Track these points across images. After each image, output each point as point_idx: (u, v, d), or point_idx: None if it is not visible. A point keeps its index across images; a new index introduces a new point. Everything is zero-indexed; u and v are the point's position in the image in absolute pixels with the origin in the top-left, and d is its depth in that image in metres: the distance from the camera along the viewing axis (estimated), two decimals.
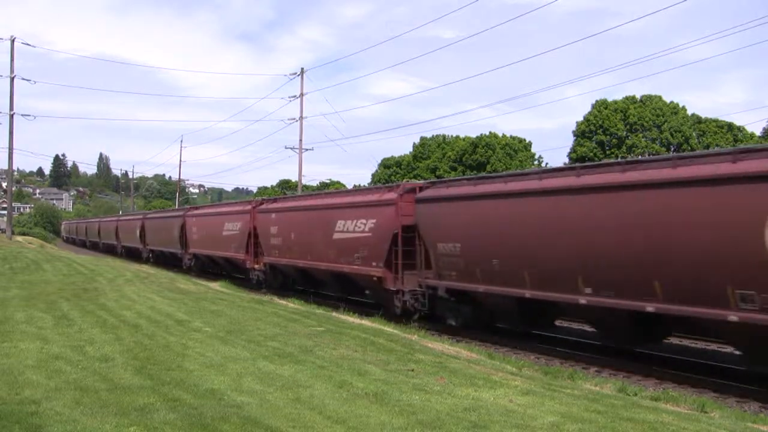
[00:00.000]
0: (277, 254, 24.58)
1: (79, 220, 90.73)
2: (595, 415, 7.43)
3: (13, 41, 47.62)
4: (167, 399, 7.39)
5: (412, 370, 9.55)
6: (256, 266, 26.67)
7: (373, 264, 18.21)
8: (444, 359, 10.84)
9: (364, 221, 18.77)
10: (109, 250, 58.38)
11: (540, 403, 7.87)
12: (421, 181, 17.83)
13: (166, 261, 41.14)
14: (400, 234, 17.23)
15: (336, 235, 20.13)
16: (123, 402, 7.20)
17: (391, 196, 18.05)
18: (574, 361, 13.46)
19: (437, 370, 9.72)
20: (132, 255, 49.06)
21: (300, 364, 9.57)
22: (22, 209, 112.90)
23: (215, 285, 25.06)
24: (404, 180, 68.77)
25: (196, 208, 38.66)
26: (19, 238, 56.90)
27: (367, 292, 20.87)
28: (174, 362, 9.40)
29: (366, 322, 15.45)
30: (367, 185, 76.45)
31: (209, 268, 34.22)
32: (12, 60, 48.00)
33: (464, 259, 15.27)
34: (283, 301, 20.34)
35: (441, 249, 15.96)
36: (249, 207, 27.79)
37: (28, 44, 60.81)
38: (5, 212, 61.74)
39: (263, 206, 26.79)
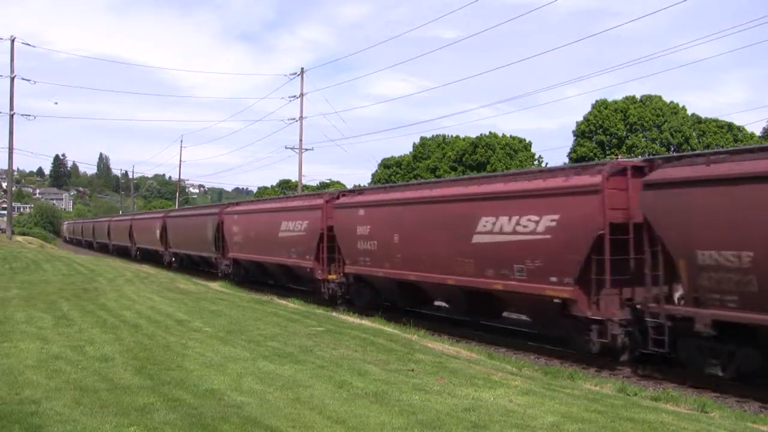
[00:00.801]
0: (368, 263, 19.06)
1: (84, 220, 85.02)
2: (595, 415, 7.43)
3: (13, 41, 47.67)
4: (167, 399, 7.40)
5: (412, 370, 9.55)
6: (331, 277, 20.99)
7: (553, 279, 13.11)
8: (444, 359, 10.85)
9: (535, 218, 13.53)
10: (121, 253, 52.57)
11: (540, 403, 7.87)
12: (636, 159, 13.33)
13: (195, 266, 35.78)
14: (607, 235, 12.21)
15: (477, 238, 14.89)
16: (123, 402, 7.21)
17: (593, 179, 12.62)
18: (573, 361, 13.44)
19: (437, 370, 9.72)
20: (150, 259, 43.65)
21: (300, 364, 9.57)
22: (22, 209, 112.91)
23: (215, 285, 25.07)
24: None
25: (238, 204, 31.72)
26: (19, 238, 56.94)
27: (505, 313, 16.78)
28: (174, 362, 9.40)
29: (366, 322, 15.45)
30: (367, 185, 76.42)
31: (256, 276, 28.26)
32: (12, 60, 48.12)
33: (760, 277, 10.12)
34: (283, 301, 20.32)
35: (703, 259, 10.89)
36: (320, 201, 21.97)
37: (28, 44, 60.94)
38: (5, 212, 61.75)
39: (343, 200, 20.98)
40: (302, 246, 22.44)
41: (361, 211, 19.48)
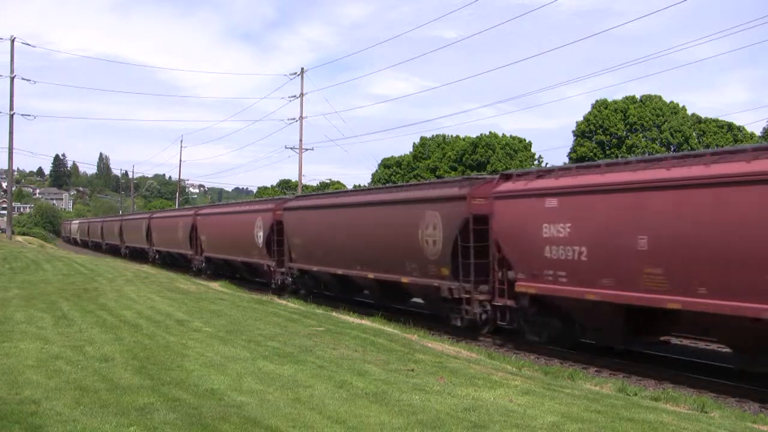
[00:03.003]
0: None
1: (104, 218, 68.51)
2: (595, 415, 7.43)
3: (13, 41, 47.64)
4: (167, 399, 7.40)
5: (412, 370, 9.55)
6: None
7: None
8: (444, 359, 10.85)
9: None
10: (170, 263, 37.75)
11: (540, 403, 7.87)
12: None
13: (337, 295, 21.72)
14: None
15: None
16: (123, 402, 7.21)
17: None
18: (573, 361, 13.44)
19: (437, 369, 9.72)
20: (237, 277, 29.09)
21: (300, 364, 9.57)
22: (22, 209, 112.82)
23: (215, 285, 25.04)
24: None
25: (508, 180, 14.79)
26: (19, 238, 56.95)
27: None
28: (174, 362, 9.40)
29: (366, 322, 15.44)
30: (367, 184, 76.18)
31: (572, 336, 14.05)
32: (12, 60, 48.06)
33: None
34: (283, 301, 20.31)
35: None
36: None
37: (28, 44, 60.58)
38: (5, 212, 61.67)
39: None
40: None
41: None
